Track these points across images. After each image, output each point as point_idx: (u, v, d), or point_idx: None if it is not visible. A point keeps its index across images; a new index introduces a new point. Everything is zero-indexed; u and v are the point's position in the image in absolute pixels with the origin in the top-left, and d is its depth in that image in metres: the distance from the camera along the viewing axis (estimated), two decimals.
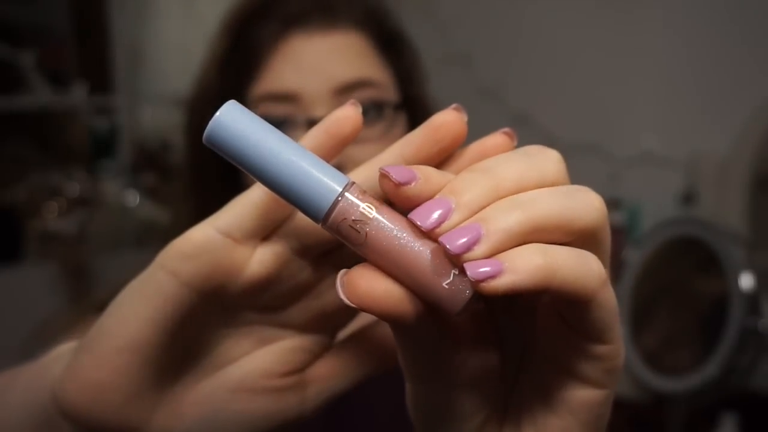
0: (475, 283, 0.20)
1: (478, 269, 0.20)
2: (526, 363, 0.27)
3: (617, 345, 0.24)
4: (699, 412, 0.94)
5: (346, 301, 0.22)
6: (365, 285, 0.22)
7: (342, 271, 0.22)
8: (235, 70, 0.57)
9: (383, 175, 0.22)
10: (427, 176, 0.22)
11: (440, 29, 1.41)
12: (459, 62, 1.42)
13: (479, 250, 0.21)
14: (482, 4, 1.48)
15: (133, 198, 2.01)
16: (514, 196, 0.22)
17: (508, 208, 0.21)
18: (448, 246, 0.21)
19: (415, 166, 0.22)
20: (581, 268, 0.22)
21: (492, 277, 0.20)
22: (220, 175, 0.59)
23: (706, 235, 0.91)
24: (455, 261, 0.21)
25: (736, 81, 1.08)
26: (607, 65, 1.25)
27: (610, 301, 0.23)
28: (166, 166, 2.01)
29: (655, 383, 0.90)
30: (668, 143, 1.16)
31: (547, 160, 0.23)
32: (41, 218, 1.80)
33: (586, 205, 0.23)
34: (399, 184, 0.22)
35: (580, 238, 0.23)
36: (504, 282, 0.20)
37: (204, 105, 0.58)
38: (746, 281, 0.86)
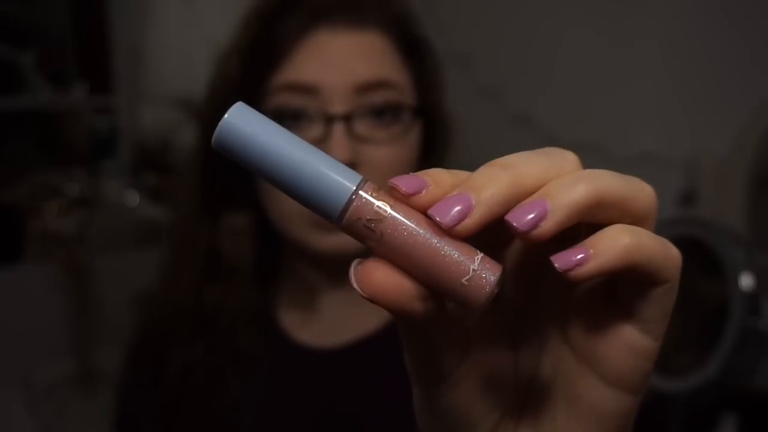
0: (565, 274, 0.21)
1: (565, 259, 0.21)
2: (546, 366, 0.27)
3: (659, 344, 0.24)
4: (699, 412, 0.94)
5: (359, 291, 0.21)
6: (379, 277, 0.21)
7: (357, 260, 0.22)
8: (257, 59, 0.57)
9: (392, 188, 0.22)
10: (436, 180, 0.22)
11: (440, 29, 1.41)
12: (459, 62, 1.42)
13: (546, 226, 0.21)
14: (482, 4, 1.48)
15: (133, 198, 2.01)
16: (577, 171, 0.22)
17: (572, 182, 0.22)
18: (515, 224, 0.21)
19: (424, 171, 0.22)
20: (664, 249, 0.22)
21: (580, 264, 0.21)
22: (233, 169, 0.59)
23: (706, 236, 0.90)
24: (524, 239, 0.21)
25: (735, 81, 1.08)
26: (607, 65, 1.25)
27: (676, 292, 0.23)
28: (166, 166, 2.01)
29: (655, 383, 0.90)
30: (668, 143, 1.16)
31: (566, 161, 0.23)
32: (41, 218, 1.80)
33: (643, 188, 0.23)
34: (408, 195, 0.21)
35: (634, 221, 0.23)
36: (591, 267, 0.21)
37: (224, 94, 0.58)
38: (746, 281, 0.85)
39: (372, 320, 0.61)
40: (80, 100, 2.02)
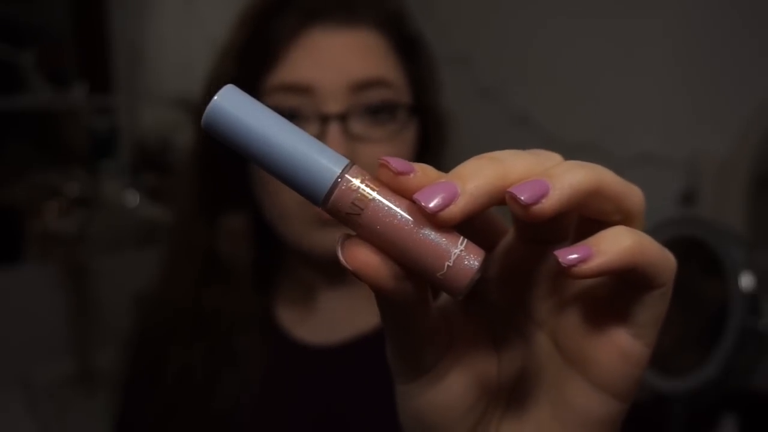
0: (567, 269, 0.21)
1: (568, 256, 0.21)
2: (532, 369, 0.27)
3: (650, 351, 0.24)
4: (699, 412, 0.94)
5: (344, 263, 0.22)
6: (362, 253, 0.22)
7: (343, 234, 0.22)
8: (252, 59, 0.56)
9: (382, 165, 0.22)
10: (424, 170, 0.22)
11: (440, 29, 1.41)
12: (459, 62, 1.42)
13: (548, 203, 0.21)
14: (482, 4, 1.48)
15: (133, 198, 2.01)
16: (577, 161, 0.22)
17: (574, 167, 0.22)
18: (519, 196, 0.21)
19: (414, 162, 0.22)
20: (663, 254, 0.22)
21: (583, 261, 0.21)
22: (228, 166, 0.58)
23: (706, 236, 0.90)
24: (524, 214, 0.21)
25: (736, 81, 1.08)
26: (607, 65, 1.25)
27: (669, 297, 0.23)
28: (166, 166, 2.01)
29: (655, 383, 0.90)
30: (668, 143, 1.16)
31: (552, 161, 0.24)
32: (41, 218, 1.80)
33: (634, 187, 0.24)
34: (398, 173, 0.22)
35: (624, 218, 0.23)
36: (594, 265, 0.21)
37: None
38: (746, 281, 0.85)
39: (369, 318, 0.61)
40: (80, 100, 2.02)
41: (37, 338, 1.64)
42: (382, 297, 0.23)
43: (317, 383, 0.61)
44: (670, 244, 0.23)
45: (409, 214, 0.21)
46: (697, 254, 0.92)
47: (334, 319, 0.62)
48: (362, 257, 0.21)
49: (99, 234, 1.84)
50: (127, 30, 2.12)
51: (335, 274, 0.61)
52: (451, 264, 0.21)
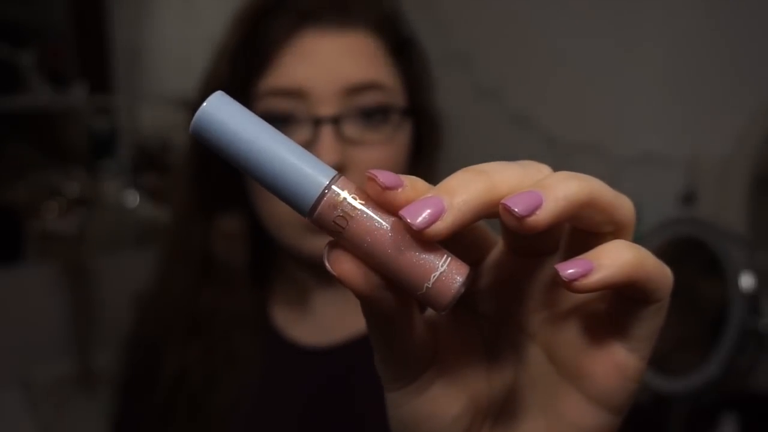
0: (568, 283, 0.21)
1: (569, 270, 0.21)
2: (524, 380, 0.26)
3: (645, 365, 0.24)
4: (699, 412, 0.94)
5: (329, 269, 0.22)
6: (348, 260, 0.22)
7: (332, 241, 0.22)
8: (245, 62, 0.56)
9: (370, 179, 0.22)
10: (413, 184, 0.22)
11: (440, 29, 1.41)
12: (459, 62, 1.42)
13: (542, 214, 0.21)
14: (482, 4, 1.48)
15: (133, 198, 2.01)
16: (568, 172, 0.22)
17: (566, 178, 0.22)
18: (513, 208, 0.20)
19: (403, 175, 0.22)
20: (661, 268, 0.22)
21: (583, 275, 0.21)
22: (223, 167, 0.58)
23: (706, 236, 0.90)
24: (518, 225, 0.21)
25: (736, 81, 1.08)
26: (607, 65, 1.25)
27: (666, 311, 0.23)
28: (166, 166, 2.01)
29: (655, 383, 0.90)
30: (668, 143, 1.16)
31: (540, 173, 0.23)
32: (41, 218, 1.80)
33: (625, 198, 0.23)
34: (385, 188, 0.21)
35: (616, 229, 0.23)
36: (595, 279, 0.21)
37: None
38: (746, 281, 0.85)
39: (363, 320, 0.61)
40: (80, 100, 2.02)
41: (37, 338, 1.64)
42: (365, 305, 0.23)
43: (311, 383, 0.61)
44: (670, 244, 0.23)
45: (393, 230, 0.21)
46: (697, 254, 0.92)
47: (328, 320, 0.62)
48: (345, 266, 0.21)
49: (99, 234, 1.84)
50: (127, 30, 2.12)
51: (329, 276, 0.61)
52: (433, 282, 0.21)
